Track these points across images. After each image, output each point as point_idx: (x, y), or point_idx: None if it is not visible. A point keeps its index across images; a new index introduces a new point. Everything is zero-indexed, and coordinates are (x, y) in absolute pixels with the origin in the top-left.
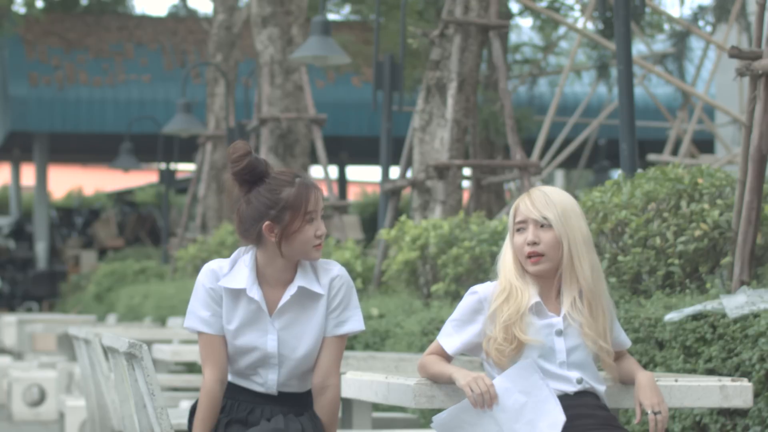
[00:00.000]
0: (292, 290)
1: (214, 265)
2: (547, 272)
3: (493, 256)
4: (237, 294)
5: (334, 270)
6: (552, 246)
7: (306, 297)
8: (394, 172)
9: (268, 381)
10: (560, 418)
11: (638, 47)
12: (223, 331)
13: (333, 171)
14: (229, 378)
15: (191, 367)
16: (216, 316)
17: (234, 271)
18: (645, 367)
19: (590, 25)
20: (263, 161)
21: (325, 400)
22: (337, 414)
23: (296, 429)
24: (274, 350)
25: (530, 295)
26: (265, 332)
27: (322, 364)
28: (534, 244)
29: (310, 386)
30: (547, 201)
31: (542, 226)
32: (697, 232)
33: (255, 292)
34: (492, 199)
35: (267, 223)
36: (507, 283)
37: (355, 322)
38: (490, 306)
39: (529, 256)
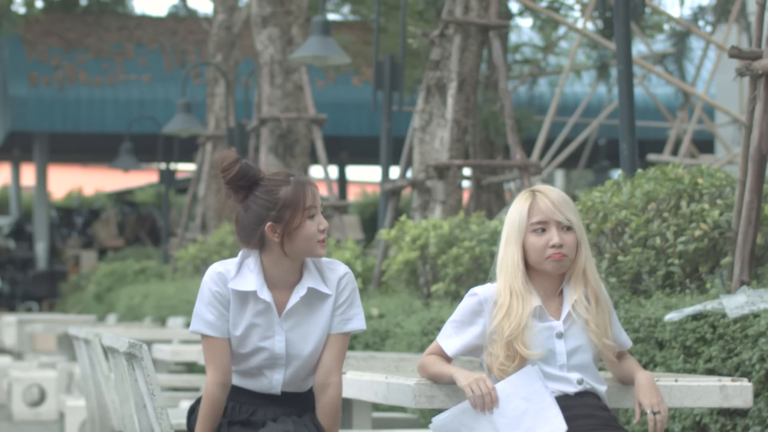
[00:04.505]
0: (301, 291)
1: (221, 267)
2: (564, 270)
3: (494, 257)
4: (245, 296)
5: (340, 269)
6: (573, 248)
7: (314, 297)
8: (394, 172)
9: (273, 381)
10: (561, 427)
11: (638, 47)
12: (227, 334)
13: (333, 171)
14: (233, 379)
15: (191, 367)
16: (222, 319)
17: (241, 274)
18: (645, 367)
19: (590, 25)
20: (254, 166)
21: (327, 399)
22: (338, 413)
23: None
24: (282, 351)
25: (532, 301)
26: (273, 334)
27: (324, 361)
28: (560, 246)
29: (311, 385)
30: (566, 202)
31: (565, 228)
32: (697, 232)
33: (266, 294)
34: (492, 199)
35: (269, 224)
36: (507, 294)
37: (358, 321)
38: (490, 318)
39: (552, 255)
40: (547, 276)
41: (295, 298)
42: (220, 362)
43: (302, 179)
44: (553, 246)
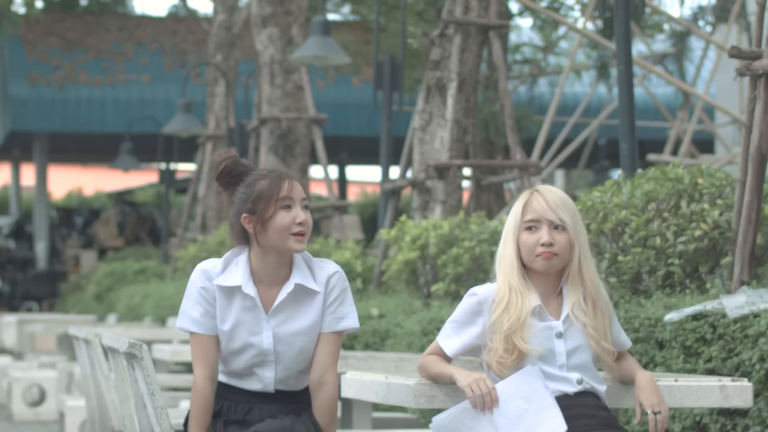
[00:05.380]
0: (288, 287)
1: (207, 265)
2: (555, 269)
3: (493, 256)
4: (231, 292)
5: (330, 268)
6: (565, 248)
7: (302, 294)
8: (394, 172)
9: (265, 379)
10: (561, 427)
11: (638, 47)
12: (215, 330)
13: (333, 171)
14: (224, 379)
15: (191, 367)
16: (208, 316)
17: (227, 270)
18: (645, 367)
19: (590, 25)
20: (245, 164)
21: (323, 397)
22: (335, 412)
23: (300, 429)
24: (270, 347)
25: (531, 299)
26: (261, 330)
27: (319, 360)
28: (549, 245)
29: (307, 384)
30: (563, 202)
31: (556, 227)
32: (697, 232)
33: (250, 289)
34: (492, 199)
35: (244, 215)
36: (506, 289)
37: (351, 320)
38: (489, 316)
39: (541, 253)
40: (543, 275)
41: (283, 294)
42: (208, 358)
43: (283, 173)
44: (543, 244)
